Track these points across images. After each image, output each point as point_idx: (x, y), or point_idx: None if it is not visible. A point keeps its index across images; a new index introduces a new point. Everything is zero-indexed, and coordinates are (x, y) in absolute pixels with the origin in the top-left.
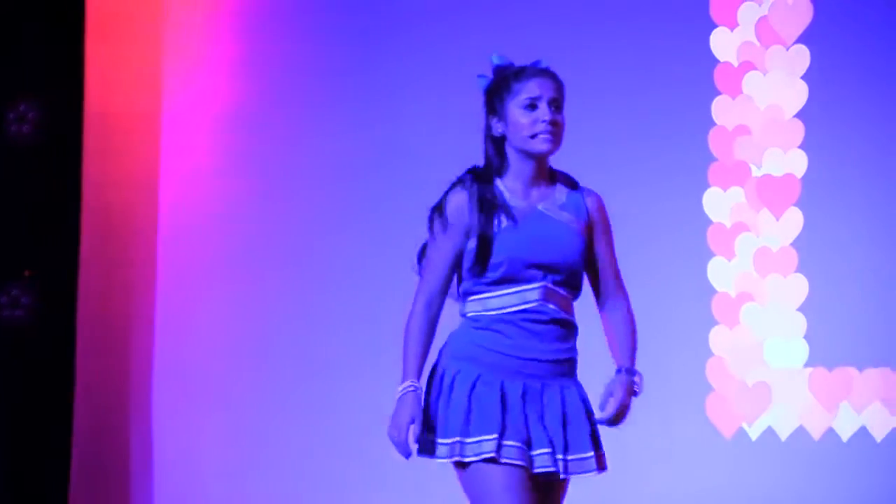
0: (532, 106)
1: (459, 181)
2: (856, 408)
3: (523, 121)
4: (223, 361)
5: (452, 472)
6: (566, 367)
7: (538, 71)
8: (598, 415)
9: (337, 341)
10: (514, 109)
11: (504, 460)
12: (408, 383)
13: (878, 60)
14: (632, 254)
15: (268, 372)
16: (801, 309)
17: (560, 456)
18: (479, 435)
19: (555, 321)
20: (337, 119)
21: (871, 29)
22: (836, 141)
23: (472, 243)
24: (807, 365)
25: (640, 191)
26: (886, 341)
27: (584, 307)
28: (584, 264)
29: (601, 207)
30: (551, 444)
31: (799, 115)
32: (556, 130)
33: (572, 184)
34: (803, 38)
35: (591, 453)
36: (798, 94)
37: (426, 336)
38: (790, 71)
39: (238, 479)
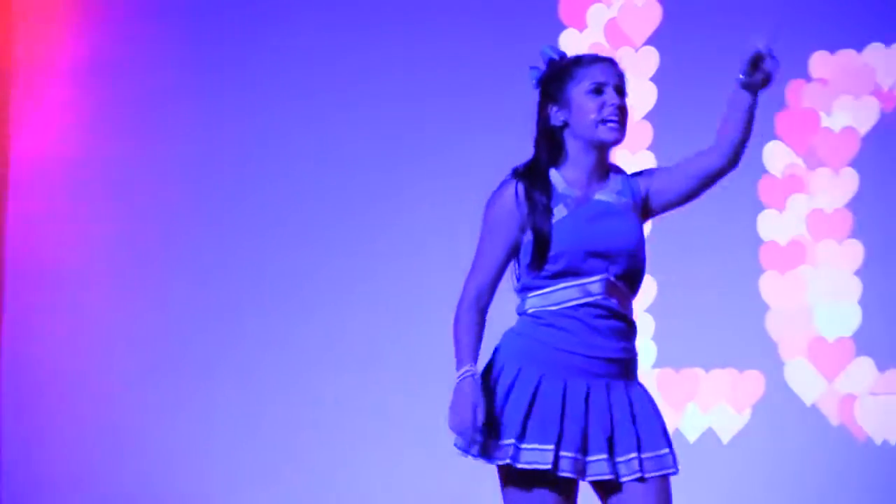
0: (598, 91)
1: (513, 174)
2: (702, 408)
3: (590, 105)
4: (72, 359)
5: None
6: (628, 366)
7: (600, 58)
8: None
9: (191, 336)
10: (579, 95)
11: (562, 473)
12: (465, 368)
13: (726, 62)
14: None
15: (119, 370)
16: (648, 310)
17: (633, 455)
18: (535, 442)
19: (617, 316)
20: (199, 111)
21: (718, 31)
22: (685, 143)
23: (528, 237)
24: (654, 366)
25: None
26: (732, 342)
27: None
28: (645, 251)
29: (647, 171)
30: (609, 448)
31: (647, 117)
32: (623, 117)
33: (621, 171)
34: (652, 40)
35: (667, 450)
36: (647, 96)
37: (478, 326)
38: (639, 73)
39: (84, 478)
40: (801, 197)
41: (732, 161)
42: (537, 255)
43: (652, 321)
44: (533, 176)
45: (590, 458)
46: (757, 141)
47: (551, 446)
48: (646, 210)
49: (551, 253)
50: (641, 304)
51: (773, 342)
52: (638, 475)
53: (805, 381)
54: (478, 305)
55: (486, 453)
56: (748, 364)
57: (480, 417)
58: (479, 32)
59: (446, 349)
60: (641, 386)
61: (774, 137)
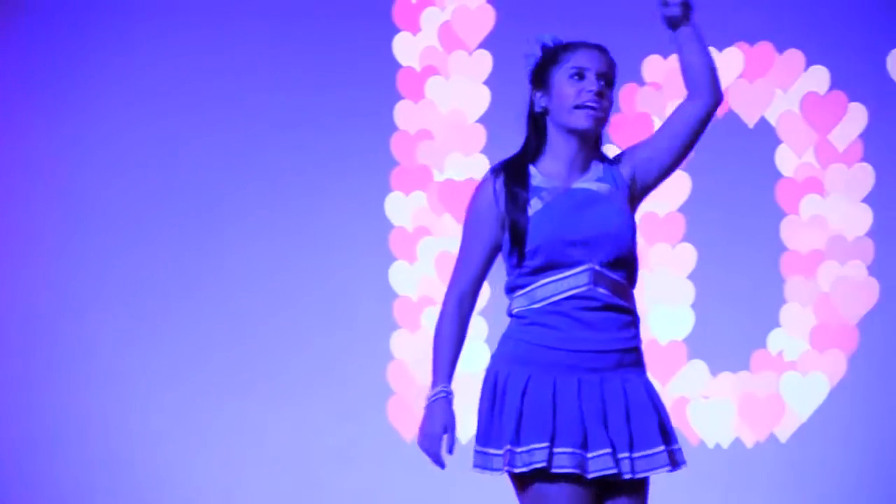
0: (579, 75)
1: (491, 171)
2: None
3: (568, 90)
4: None
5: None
6: (628, 357)
7: (587, 44)
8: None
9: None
10: (560, 79)
11: (556, 470)
12: (438, 389)
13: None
14: (311, 256)
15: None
16: (482, 314)
17: (625, 454)
18: (530, 443)
19: (609, 307)
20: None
21: (556, 31)
22: (518, 145)
23: (507, 233)
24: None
25: (322, 194)
26: None
27: None
28: (634, 232)
29: (626, 150)
30: (611, 443)
31: (481, 120)
32: (602, 105)
33: (608, 159)
34: (485, 44)
35: (661, 448)
36: (480, 100)
37: (457, 337)
38: (473, 76)
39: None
40: None
41: (714, 94)
42: (514, 250)
43: (485, 324)
44: (510, 170)
45: (590, 454)
46: None
47: (545, 444)
48: (637, 190)
49: (529, 248)
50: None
51: None
52: (629, 476)
53: None
54: (460, 311)
55: (484, 464)
56: None
57: (450, 440)
58: (312, 35)
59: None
60: (643, 378)
61: (609, 142)
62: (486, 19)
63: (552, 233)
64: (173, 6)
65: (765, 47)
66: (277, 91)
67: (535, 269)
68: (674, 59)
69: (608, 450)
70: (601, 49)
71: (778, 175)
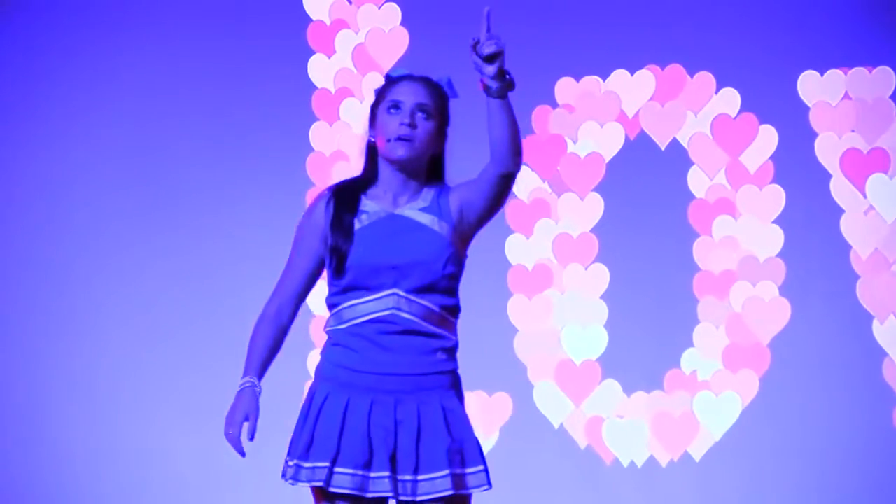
0: (395, 107)
1: (328, 190)
2: None
3: (385, 123)
4: None
5: None
6: (429, 381)
7: (411, 77)
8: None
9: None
10: (381, 113)
11: (333, 489)
12: (245, 379)
13: (471, 87)
14: (219, 273)
15: None
16: None
17: (408, 476)
18: (315, 460)
19: (412, 332)
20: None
21: (464, 57)
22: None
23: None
24: None
25: (238, 214)
26: (481, 364)
27: None
28: (453, 265)
29: (459, 184)
30: (392, 466)
31: None
32: (415, 135)
33: (444, 189)
34: (399, 66)
35: (445, 472)
36: None
37: (272, 340)
38: None
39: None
40: (547, 222)
41: (512, 164)
42: (329, 268)
43: None
44: (342, 192)
45: (372, 475)
46: None
47: (326, 463)
48: (464, 225)
49: (340, 267)
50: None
51: (522, 365)
52: (410, 498)
53: (553, 404)
54: (278, 320)
55: (285, 475)
56: (497, 386)
57: (251, 428)
58: (227, 55)
59: None
60: (446, 402)
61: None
62: (400, 42)
63: (361, 256)
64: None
65: (676, 70)
66: (192, 113)
67: (344, 289)
68: (587, 81)
69: (386, 473)
70: (425, 80)
71: (690, 196)
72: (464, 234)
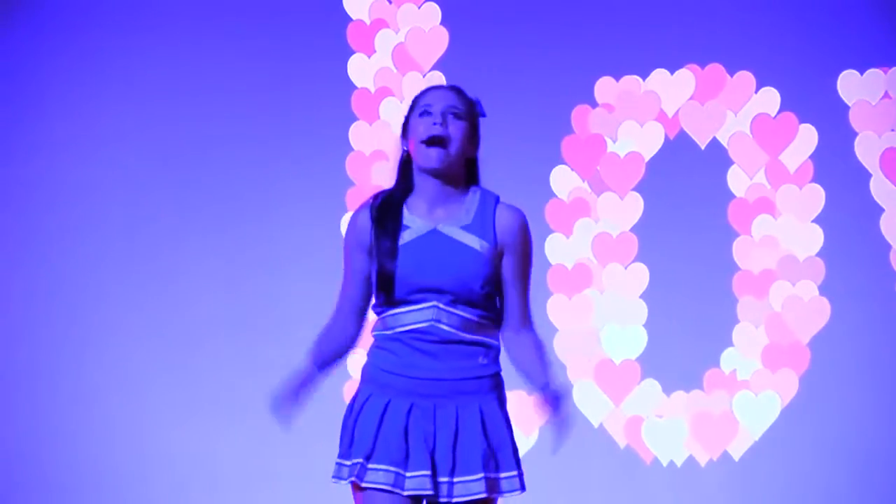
0: (426, 113)
1: (372, 198)
2: None
3: (417, 128)
4: None
5: None
6: (468, 385)
7: (437, 86)
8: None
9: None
10: (413, 121)
11: (366, 484)
12: (305, 366)
13: (510, 87)
14: (264, 279)
15: None
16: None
17: (445, 478)
18: (353, 458)
19: (452, 342)
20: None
21: (504, 55)
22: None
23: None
24: None
25: (277, 215)
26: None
27: None
28: (490, 285)
29: (517, 228)
30: (433, 466)
31: None
32: (442, 133)
33: (489, 201)
34: (439, 65)
35: (480, 475)
36: None
37: (335, 342)
38: None
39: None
40: (587, 221)
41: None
42: (378, 282)
43: None
44: (384, 204)
45: (409, 474)
46: (544, 165)
47: (360, 460)
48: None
49: (384, 280)
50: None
51: (562, 364)
52: (446, 499)
53: (592, 403)
54: (342, 328)
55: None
56: None
57: (300, 400)
58: (268, 55)
59: None
60: (486, 406)
61: (561, 162)
62: (440, 41)
63: (403, 274)
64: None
65: (716, 69)
66: (232, 113)
67: (387, 300)
68: (627, 81)
69: (427, 472)
70: (452, 88)
71: (730, 195)
72: (493, 252)
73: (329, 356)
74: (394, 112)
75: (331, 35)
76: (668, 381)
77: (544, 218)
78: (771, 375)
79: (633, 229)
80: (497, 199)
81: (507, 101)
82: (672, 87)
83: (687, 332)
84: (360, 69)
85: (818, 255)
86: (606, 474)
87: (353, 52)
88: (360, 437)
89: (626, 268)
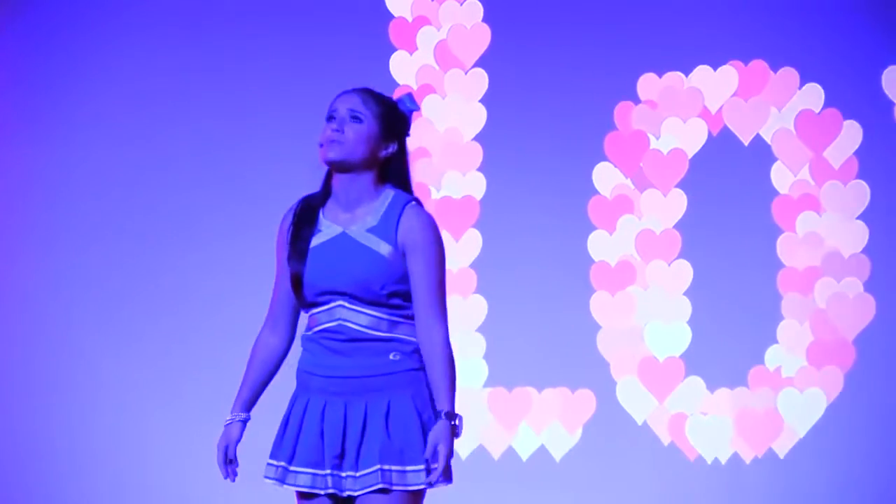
0: (330, 117)
1: (292, 206)
2: (535, 428)
3: (322, 133)
4: None
5: None
6: (380, 382)
7: (348, 90)
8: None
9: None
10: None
11: (288, 486)
12: (231, 416)
13: (553, 84)
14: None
15: None
16: (480, 329)
17: (350, 473)
18: (279, 459)
19: (361, 340)
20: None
21: (546, 52)
22: (514, 163)
23: None
24: (486, 385)
25: None
26: (564, 361)
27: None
28: (395, 286)
29: (418, 228)
30: (339, 464)
31: (477, 139)
32: (338, 137)
33: (398, 203)
34: (481, 62)
35: (376, 467)
36: (476, 118)
37: (260, 364)
38: (468, 94)
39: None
40: (630, 218)
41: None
42: (290, 284)
43: (483, 341)
44: (302, 208)
45: (321, 473)
46: (587, 162)
47: (283, 463)
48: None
49: (295, 283)
50: (472, 324)
51: (605, 361)
52: (350, 492)
53: (636, 401)
54: (267, 340)
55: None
56: (580, 383)
57: (229, 455)
58: (311, 52)
59: None
60: (395, 401)
61: (604, 159)
62: (482, 38)
63: (308, 277)
64: (167, 21)
65: (759, 66)
66: (273, 109)
67: (303, 303)
68: (670, 77)
69: (328, 471)
70: (358, 91)
71: (774, 192)
72: (393, 250)
73: (258, 389)
74: (436, 109)
75: (373, 32)
76: (713, 378)
77: (587, 215)
78: (816, 372)
79: (676, 226)
80: (409, 201)
81: (550, 98)
82: (715, 83)
83: (731, 329)
84: (402, 66)
85: (863, 251)
86: (650, 472)
87: (395, 50)
88: (285, 439)
89: (669, 265)
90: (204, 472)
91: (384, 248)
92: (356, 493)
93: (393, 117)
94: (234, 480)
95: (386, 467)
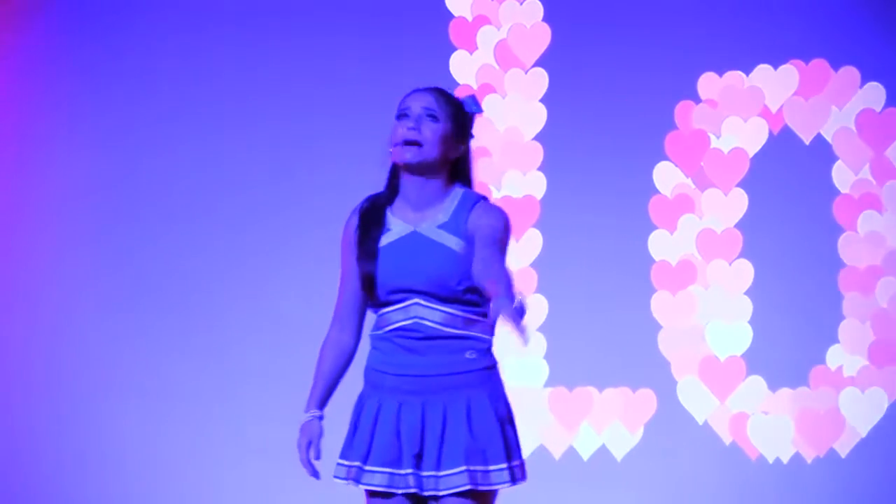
0: (404, 115)
1: (356, 207)
2: (596, 427)
3: (395, 132)
4: None
5: None
6: (457, 380)
7: (420, 88)
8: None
9: None
10: (394, 123)
11: (363, 486)
12: (309, 413)
13: (613, 83)
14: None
15: None
16: (540, 329)
17: (431, 472)
18: (351, 459)
19: (436, 338)
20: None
21: (606, 51)
22: (574, 163)
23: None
24: (547, 385)
25: None
26: (625, 361)
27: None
28: (470, 281)
29: (487, 216)
30: (418, 463)
31: (537, 138)
32: (415, 138)
33: (469, 200)
34: (541, 62)
35: (462, 468)
36: (536, 117)
37: (335, 365)
38: (529, 94)
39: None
40: (691, 217)
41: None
42: (361, 283)
43: (544, 340)
44: (369, 207)
45: (401, 472)
46: (647, 162)
47: (357, 462)
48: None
49: (369, 283)
50: (533, 324)
51: (666, 361)
52: (432, 493)
53: (697, 400)
54: (340, 342)
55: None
56: (641, 383)
57: (313, 455)
58: (370, 52)
59: None
60: (473, 400)
61: (664, 158)
62: (542, 37)
63: (382, 276)
64: (222, 20)
65: (820, 64)
66: (334, 110)
67: (372, 301)
68: (730, 76)
69: (410, 470)
70: (431, 90)
71: (835, 191)
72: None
73: (331, 384)
74: (496, 109)
75: (433, 32)
76: (774, 377)
77: (648, 214)
78: (878, 372)
79: (737, 225)
80: (480, 198)
81: (610, 98)
82: (776, 82)
83: (792, 329)
84: (462, 66)
85: None
86: (712, 471)
87: (455, 49)
88: (358, 439)
89: (730, 264)
90: (204, 473)
91: (456, 244)
92: (440, 494)
93: (462, 118)
94: (318, 478)
95: (472, 468)
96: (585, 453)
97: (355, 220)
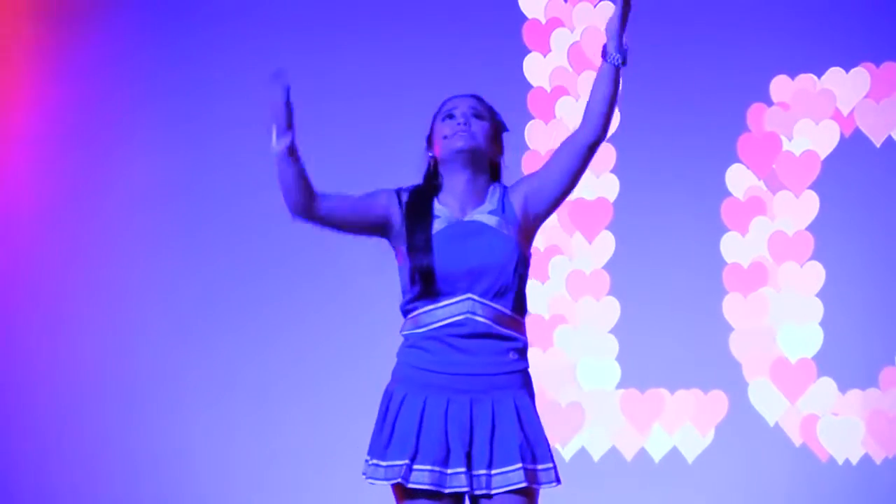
0: (449, 116)
1: (415, 185)
2: (667, 429)
3: (443, 130)
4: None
5: None
6: (502, 380)
7: (462, 94)
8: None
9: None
10: (438, 124)
11: (411, 485)
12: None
13: (685, 86)
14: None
15: None
16: (613, 331)
17: (482, 471)
18: (395, 458)
19: (485, 335)
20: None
21: (681, 53)
22: (647, 165)
23: (402, 260)
24: (619, 386)
25: None
26: (696, 363)
27: None
28: (522, 268)
29: (521, 179)
30: (468, 462)
31: (610, 140)
32: (469, 129)
33: (504, 190)
34: None
35: (518, 466)
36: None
37: (305, 179)
38: None
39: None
40: (763, 219)
41: (601, 130)
42: (418, 276)
43: (616, 342)
44: (414, 198)
45: (450, 471)
46: (719, 164)
47: (405, 461)
48: (529, 220)
49: (418, 269)
50: (605, 326)
51: (737, 363)
52: (484, 491)
53: (768, 402)
54: (316, 191)
55: (366, 473)
56: (712, 385)
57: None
58: (445, 55)
59: None
60: (519, 400)
61: (737, 161)
62: None
63: (441, 263)
64: (288, 23)
65: (891, 67)
66: (409, 112)
67: (420, 295)
68: (802, 79)
69: (462, 469)
70: (472, 95)
71: None
72: (529, 232)
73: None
74: (570, 111)
75: (507, 34)
76: (844, 379)
77: (720, 216)
78: None
79: (808, 228)
80: (507, 187)
81: (683, 100)
82: (847, 85)
83: (863, 330)
84: (535, 68)
85: None
86: (782, 473)
87: (528, 52)
88: (400, 437)
89: (802, 266)
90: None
91: (508, 229)
92: (493, 492)
93: (499, 125)
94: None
95: (528, 467)
96: (657, 455)
97: (401, 197)
